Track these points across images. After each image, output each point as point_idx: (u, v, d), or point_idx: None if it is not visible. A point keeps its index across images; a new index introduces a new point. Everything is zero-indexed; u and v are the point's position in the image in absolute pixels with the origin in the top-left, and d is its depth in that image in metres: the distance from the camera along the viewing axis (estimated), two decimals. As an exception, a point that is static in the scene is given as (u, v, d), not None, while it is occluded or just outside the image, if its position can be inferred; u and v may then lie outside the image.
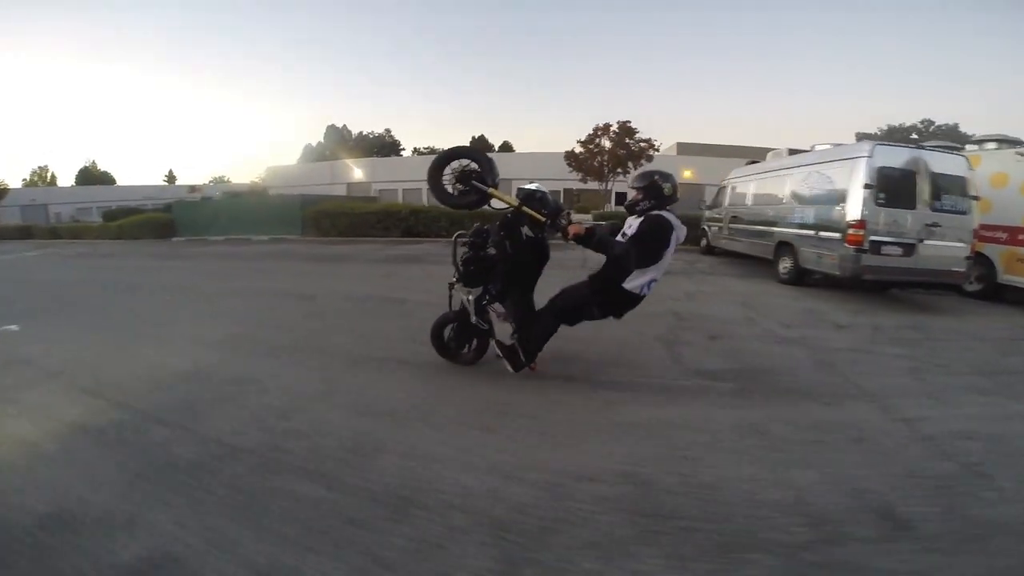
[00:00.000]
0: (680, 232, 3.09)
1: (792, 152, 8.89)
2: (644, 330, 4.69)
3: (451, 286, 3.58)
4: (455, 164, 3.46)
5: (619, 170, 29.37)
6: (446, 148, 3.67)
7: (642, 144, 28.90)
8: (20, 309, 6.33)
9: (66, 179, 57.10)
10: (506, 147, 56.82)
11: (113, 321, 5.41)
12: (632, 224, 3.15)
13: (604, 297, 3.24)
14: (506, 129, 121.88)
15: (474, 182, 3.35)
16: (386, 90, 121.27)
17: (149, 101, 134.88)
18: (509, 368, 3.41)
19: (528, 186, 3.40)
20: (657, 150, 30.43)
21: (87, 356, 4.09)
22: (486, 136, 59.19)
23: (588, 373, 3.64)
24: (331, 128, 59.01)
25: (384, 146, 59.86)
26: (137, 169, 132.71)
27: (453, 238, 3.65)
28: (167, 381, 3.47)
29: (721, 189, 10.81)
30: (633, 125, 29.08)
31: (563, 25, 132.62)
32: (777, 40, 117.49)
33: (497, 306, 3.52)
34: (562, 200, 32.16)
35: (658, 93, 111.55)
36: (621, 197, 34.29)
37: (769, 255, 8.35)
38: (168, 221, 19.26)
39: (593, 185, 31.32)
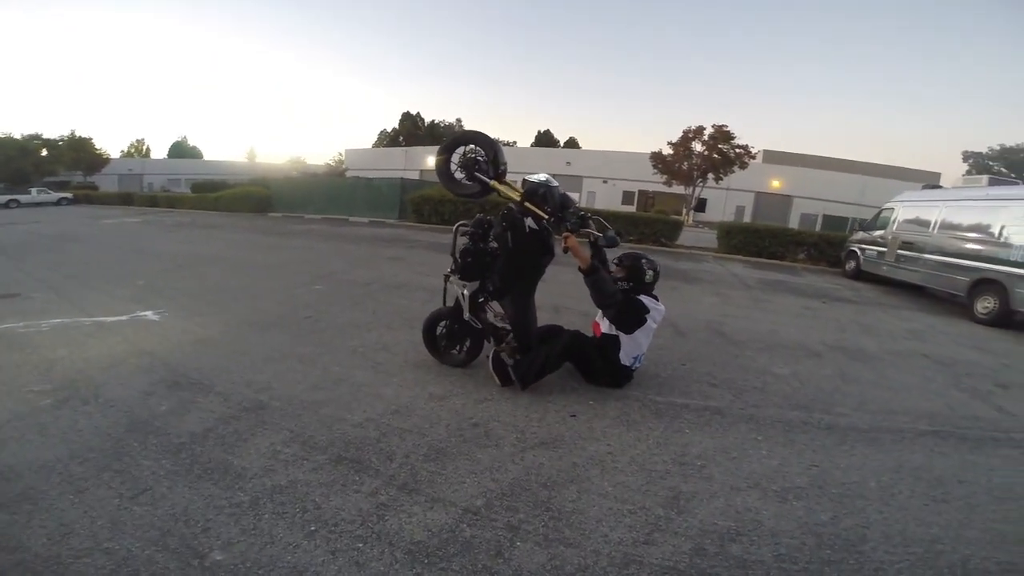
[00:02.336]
0: (657, 315, 3.18)
1: (994, 182, 8.29)
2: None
3: (446, 278, 3.38)
4: (461, 150, 3.29)
5: (710, 175, 28.16)
6: (455, 134, 3.50)
7: (738, 150, 27.51)
8: (150, 288, 5.89)
9: (159, 152, 61.08)
10: (572, 143, 55.85)
11: (273, 316, 4.76)
12: None
13: (604, 361, 3.21)
14: (572, 125, 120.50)
15: (477, 174, 3.19)
16: (459, 81, 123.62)
17: (234, 79, 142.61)
18: (496, 380, 3.23)
19: (534, 177, 3.04)
20: (754, 157, 29.06)
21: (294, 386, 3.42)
22: (552, 131, 58.37)
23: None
24: (406, 115, 59.82)
25: (455, 134, 59.75)
26: (221, 145, 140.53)
27: (454, 228, 3.43)
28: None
29: (882, 211, 10.10)
30: (730, 129, 27.63)
31: (630, 25, 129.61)
32: (866, 49, 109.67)
33: (495, 305, 3.29)
34: (635, 202, 31.58)
35: (738, 98, 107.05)
36: (701, 204, 33.04)
37: (960, 291, 7.49)
38: (265, 196, 19.79)
39: (677, 189, 30.14)
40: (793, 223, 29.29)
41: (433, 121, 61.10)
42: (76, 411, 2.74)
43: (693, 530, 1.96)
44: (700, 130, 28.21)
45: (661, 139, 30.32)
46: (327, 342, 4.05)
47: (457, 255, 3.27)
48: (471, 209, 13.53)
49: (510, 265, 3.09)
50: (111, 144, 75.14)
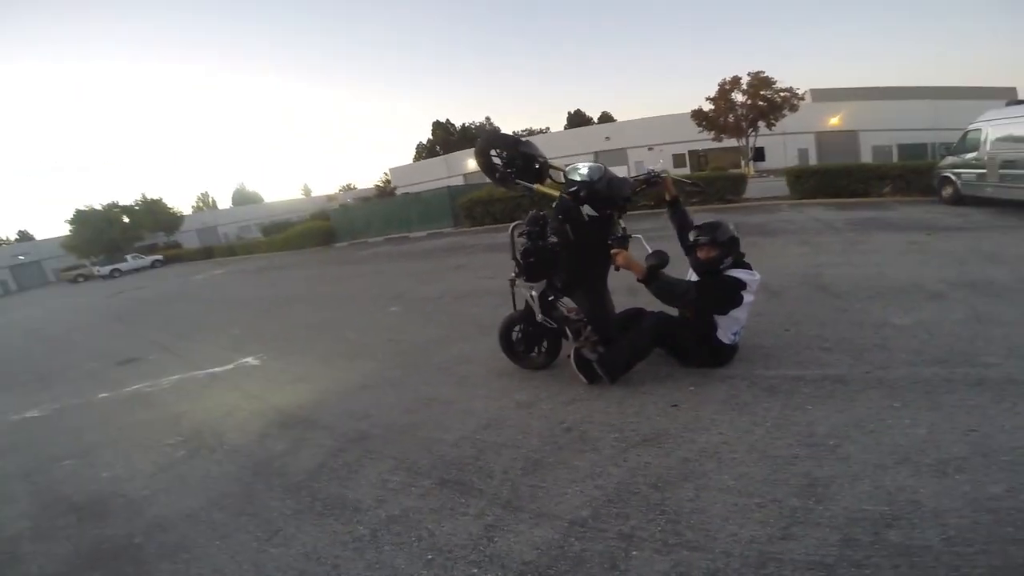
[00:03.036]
0: (754, 286, 2.88)
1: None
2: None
3: (512, 283, 3.22)
4: (494, 154, 3.26)
5: (760, 123, 26.48)
6: (484, 136, 3.45)
7: (783, 94, 25.62)
8: (245, 335, 6.36)
9: (223, 202, 66.47)
10: (606, 118, 54.02)
11: (358, 345, 4.99)
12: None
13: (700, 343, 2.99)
14: (603, 101, 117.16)
15: (519, 181, 3.11)
16: (481, 80, 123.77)
17: (275, 118, 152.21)
18: (582, 379, 3.07)
19: (576, 170, 2.83)
20: (802, 98, 26.95)
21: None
22: (583, 111, 56.84)
23: None
24: (436, 124, 60.86)
25: (488, 132, 60.13)
26: (276, 186, 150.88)
27: (510, 230, 3.28)
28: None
29: (968, 133, 9.53)
30: (768, 75, 25.85)
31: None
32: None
33: (567, 300, 3.08)
34: (687, 163, 30.45)
35: (773, 41, 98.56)
36: (759, 153, 30.90)
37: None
38: (327, 228, 20.97)
39: (730, 143, 28.53)
40: (865, 158, 26.92)
41: (464, 124, 61.64)
42: (207, 460, 3.00)
43: (838, 519, 1.74)
44: (736, 80, 26.59)
45: (700, 96, 28.59)
46: (411, 363, 4.15)
47: (519, 257, 3.18)
48: (522, 204, 13.49)
49: (574, 258, 2.95)
50: (179, 201, 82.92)
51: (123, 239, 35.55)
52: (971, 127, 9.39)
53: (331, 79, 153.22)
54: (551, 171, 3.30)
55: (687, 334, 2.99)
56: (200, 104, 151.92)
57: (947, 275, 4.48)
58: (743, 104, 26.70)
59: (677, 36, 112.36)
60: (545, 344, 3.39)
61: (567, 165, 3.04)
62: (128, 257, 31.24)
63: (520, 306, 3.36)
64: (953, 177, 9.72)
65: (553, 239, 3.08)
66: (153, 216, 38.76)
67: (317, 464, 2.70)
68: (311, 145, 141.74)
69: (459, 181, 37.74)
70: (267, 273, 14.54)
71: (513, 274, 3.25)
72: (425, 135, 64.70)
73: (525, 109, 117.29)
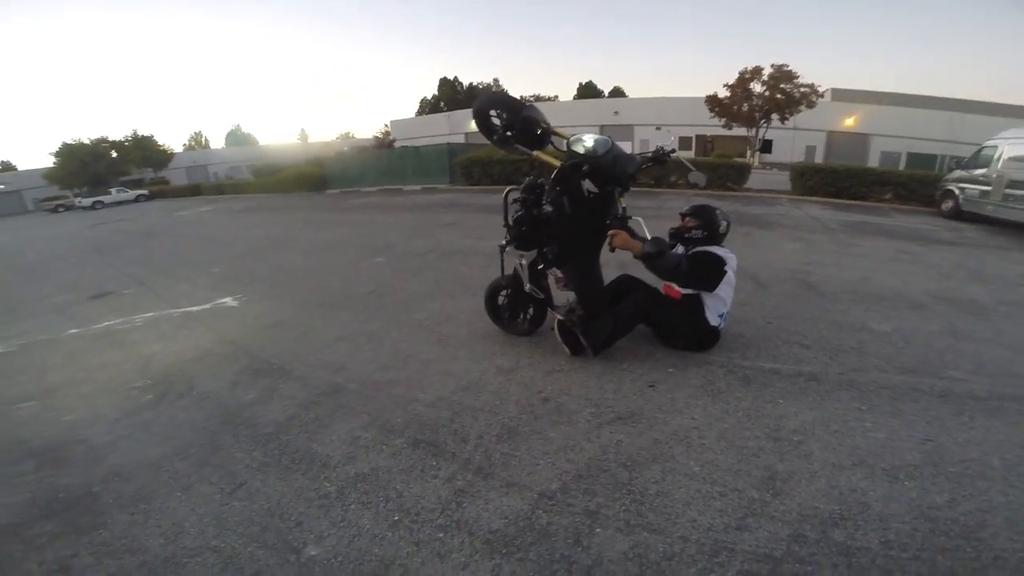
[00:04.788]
0: (733, 263, 2.92)
1: None
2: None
3: (502, 249, 3.17)
4: (493, 114, 3.14)
5: (774, 115, 26.12)
6: (483, 96, 3.28)
7: (803, 89, 25.17)
8: (225, 275, 6.24)
9: (216, 142, 64.21)
10: (617, 93, 52.66)
11: (339, 294, 4.90)
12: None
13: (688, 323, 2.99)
14: (616, 76, 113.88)
15: (517, 145, 3.03)
16: (492, 40, 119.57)
17: (277, 63, 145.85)
18: (566, 350, 3.10)
19: (580, 142, 2.74)
20: (822, 96, 26.50)
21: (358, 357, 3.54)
22: (594, 83, 55.15)
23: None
24: (443, 80, 58.67)
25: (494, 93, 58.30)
26: (273, 130, 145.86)
27: (504, 194, 3.20)
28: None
29: (984, 149, 9.43)
30: (792, 69, 25.25)
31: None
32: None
33: (555, 271, 3.01)
34: (693, 147, 30.17)
35: (797, 36, 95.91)
36: (767, 145, 30.57)
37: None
38: (320, 174, 20.40)
39: (739, 132, 28.14)
40: (872, 162, 26.73)
41: (471, 83, 59.54)
42: (174, 406, 2.95)
43: (791, 514, 1.80)
44: (758, 70, 25.96)
45: (714, 83, 28.20)
46: (393, 317, 4.10)
47: (511, 223, 3.09)
48: (521, 168, 13.22)
49: (569, 232, 2.86)
50: (172, 139, 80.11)
51: (109, 173, 34.69)
52: (988, 143, 9.30)
53: (336, 29, 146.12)
54: (554, 138, 3.17)
55: (675, 313, 2.98)
56: (200, 44, 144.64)
57: (931, 287, 4.52)
58: (760, 95, 26.21)
59: (700, 21, 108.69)
60: (531, 311, 3.37)
61: (572, 135, 2.91)
62: (112, 190, 30.35)
63: (508, 272, 3.30)
64: (956, 191, 9.69)
65: (548, 209, 2.95)
66: (142, 152, 37.87)
67: (287, 416, 2.68)
68: (313, 93, 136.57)
69: (460, 139, 36.89)
70: (254, 213, 14.15)
71: (504, 240, 3.18)
72: (431, 91, 62.56)
73: (536, 75, 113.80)
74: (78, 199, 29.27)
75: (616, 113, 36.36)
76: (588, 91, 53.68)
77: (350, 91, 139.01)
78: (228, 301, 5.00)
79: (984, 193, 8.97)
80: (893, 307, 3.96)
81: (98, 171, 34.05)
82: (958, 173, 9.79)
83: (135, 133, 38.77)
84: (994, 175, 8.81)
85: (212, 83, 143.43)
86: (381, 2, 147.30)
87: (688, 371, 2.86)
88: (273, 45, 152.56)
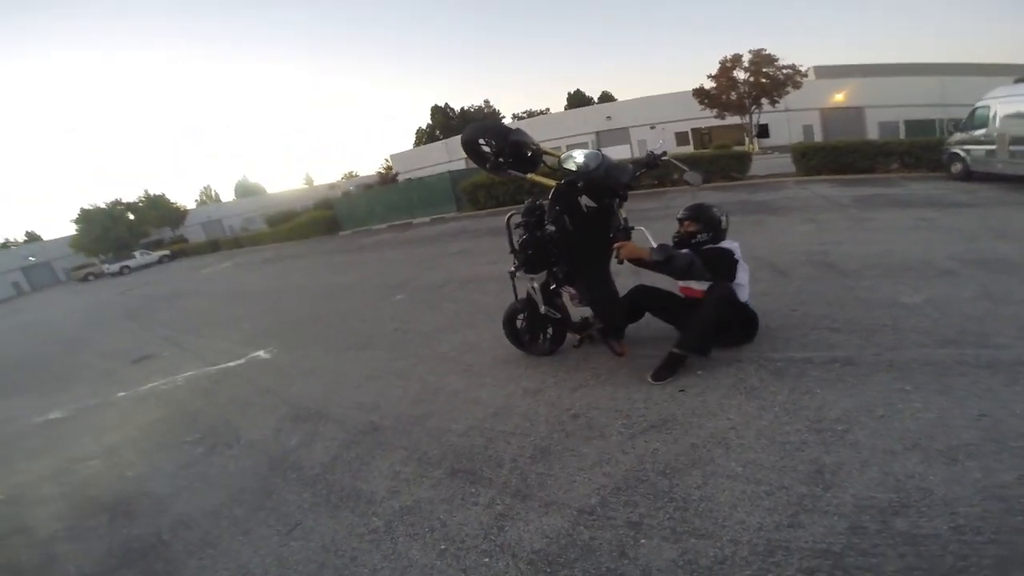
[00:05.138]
0: (738, 251, 2.92)
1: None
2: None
3: (512, 275, 3.18)
4: (482, 143, 3.18)
5: (763, 100, 26.22)
6: (469, 127, 3.31)
7: (785, 71, 25.33)
8: (255, 329, 6.39)
9: (225, 194, 66.31)
10: (606, 98, 53.04)
11: (365, 335, 5.03)
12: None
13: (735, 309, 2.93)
14: (602, 81, 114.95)
15: (510, 171, 3.09)
16: (478, 62, 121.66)
17: (277, 110, 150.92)
18: (648, 378, 2.89)
19: (571, 159, 2.76)
20: (805, 75, 26.67)
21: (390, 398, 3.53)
22: (582, 90, 55.80)
23: None
24: (435, 108, 60.00)
25: (485, 118, 59.38)
26: (278, 177, 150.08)
27: (506, 220, 3.27)
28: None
29: (977, 110, 9.56)
30: (770, 52, 25.55)
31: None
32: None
33: (569, 288, 3.01)
34: (690, 141, 30.27)
35: (774, 19, 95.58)
36: (763, 130, 30.40)
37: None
38: (331, 217, 20.95)
39: (732, 120, 28.21)
40: (871, 134, 26.44)
41: (463, 108, 60.72)
42: (224, 456, 3.07)
43: (846, 506, 1.75)
44: (738, 58, 26.31)
45: (701, 74, 28.39)
46: (417, 352, 4.18)
47: (517, 249, 3.15)
48: (524, 187, 13.33)
49: (574, 249, 2.90)
50: (182, 195, 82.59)
51: (129, 236, 35.86)
52: (979, 104, 9.40)
53: (327, 67, 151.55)
54: (545, 156, 3.23)
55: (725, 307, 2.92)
56: (198, 98, 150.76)
57: (957, 251, 4.41)
58: (745, 82, 26.36)
59: (676, 14, 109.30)
60: (550, 331, 3.39)
61: (563, 153, 2.97)
62: (136, 253, 31.54)
63: (522, 295, 3.34)
64: (962, 154, 9.69)
65: (551, 228, 2.99)
66: (157, 211, 39.04)
67: (331, 457, 2.75)
68: (311, 135, 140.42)
69: (460, 165, 37.47)
70: (273, 264, 14.60)
71: (513, 266, 3.22)
72: (424, 120, 63.90)
73: (524, 90, 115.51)
74: (105, 265, 30.29)
75: (609, 118, 36.55)
76: (577, 99, 54.24)
77: (346, 129, 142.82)
78: (261, 354, 5.15)
79: (991, 152, 9.02)
80: (921, 276, 3.87)
81: (119, 234, 35.18)
82: (959, 136, 9.89)
83: (147, 193, 39.79)
84: (995, 134, 8.91)
85: (208, 137, 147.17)
86: (363, 41, 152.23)
87: (717, 372, 2.83)
88: (264, 91, 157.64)
